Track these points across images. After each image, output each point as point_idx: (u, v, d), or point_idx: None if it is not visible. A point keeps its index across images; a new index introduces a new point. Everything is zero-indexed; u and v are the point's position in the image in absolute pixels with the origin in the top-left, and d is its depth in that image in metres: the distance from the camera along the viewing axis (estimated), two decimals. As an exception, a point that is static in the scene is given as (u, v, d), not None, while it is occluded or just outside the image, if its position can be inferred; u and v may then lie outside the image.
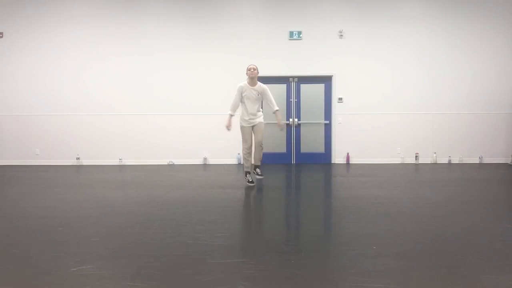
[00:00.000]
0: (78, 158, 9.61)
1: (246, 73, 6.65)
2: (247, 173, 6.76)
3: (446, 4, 9.54)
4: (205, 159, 9.67)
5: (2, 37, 9.58)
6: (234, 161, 9.60)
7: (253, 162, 6.79)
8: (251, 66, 6.62)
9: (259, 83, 6.68)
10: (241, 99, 6.62)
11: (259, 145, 6.65)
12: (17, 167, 9.27)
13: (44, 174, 8.15)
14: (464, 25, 9.55)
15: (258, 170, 6.75)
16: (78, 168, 9.04)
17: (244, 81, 6.69)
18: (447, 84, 9.60)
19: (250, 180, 6.70)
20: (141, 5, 9.58)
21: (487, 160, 9.60)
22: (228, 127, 6.62)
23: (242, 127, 6.72)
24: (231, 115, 6.64)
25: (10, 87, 9.65)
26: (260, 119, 6.74)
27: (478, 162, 9.59)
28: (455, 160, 9.63)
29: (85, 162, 9.65)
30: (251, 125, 6.67)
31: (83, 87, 9.64)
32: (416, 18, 9.56)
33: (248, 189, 6.39)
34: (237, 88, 6.60)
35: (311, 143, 9.81)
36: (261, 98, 6.75)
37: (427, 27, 9.56)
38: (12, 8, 9.57)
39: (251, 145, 6.72)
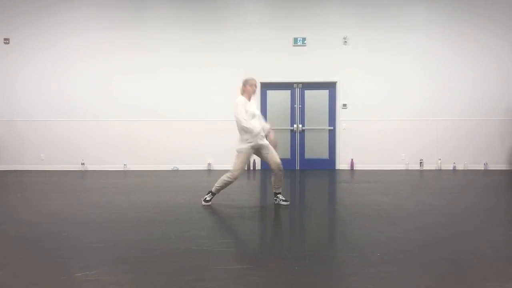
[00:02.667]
0: (83, 163, 9.65)
1: (245, 89, 5.51)
2: (211, 193, 5.63)
3: (449, 12, 9.55)
4: (209, 164, 9.68)
5: (8, 43, 9.67)
6: (238, 167, 9.60)
7: (274, 190, 5.71)
8: (254, 82, 5.57)
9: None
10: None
11: (280, 169, 5.47)
12: (22, 172, 9.32)
13: (49, 179, 8.18)
14: (467, 32, 9.55)
15: (280, 196, 5.68)
16: (83, 173, 9.07)
17: (239, 96, 5.53)
18: (451, 90, 9.58)
19: (207, 199, 5.62)
20: (147, 12, 9.65)
21: (492, 166, 9.56)
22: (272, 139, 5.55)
23: (246, 150, 5.42)
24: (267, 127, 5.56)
25: (15, 92, 9.71)
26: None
27: (483, 168, 9.55)
28: (460, 167, 9.59)
29: (90, 167, 9.68)
30: (259, 146, 5.43)
31: (88, 93, 9.69)
32: (420, 25, 9.58)
33: (252, 195, 6.38)
34: (240, 102, 5.39)
35: (315, 149, 9.81)
36: None
37: (430, 34, 9.57)
38: (19, 14, 9.66)
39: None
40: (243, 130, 5.36)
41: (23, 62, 9.71)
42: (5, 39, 9.67)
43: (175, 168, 9.64)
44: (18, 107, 9.73)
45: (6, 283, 2.99)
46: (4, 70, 9.73)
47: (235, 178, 5.48)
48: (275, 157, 5.46)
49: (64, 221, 4.80)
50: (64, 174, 8.98)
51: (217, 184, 5.56)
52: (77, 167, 9.67)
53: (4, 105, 9.72)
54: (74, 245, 3.86)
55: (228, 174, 5.49)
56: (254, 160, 9.32)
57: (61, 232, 4.32)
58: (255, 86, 5.59)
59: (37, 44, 9.70)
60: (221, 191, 5.63)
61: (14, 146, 9.75)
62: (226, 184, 5.52)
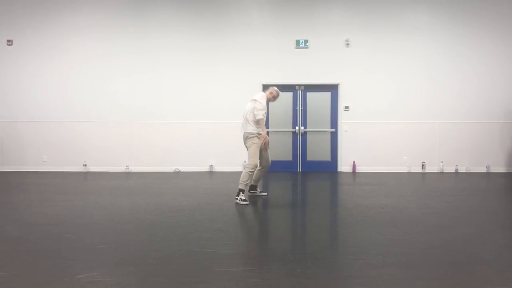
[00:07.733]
0: (85, 165, 9.66)
1: (271, 94, 6.42)
2: (240, 191, 5.92)
3: (451, 14, 9.54)
4: (211, 166, 9.69)
5: (11, 44, 9.71)
6: (239, 168, 9.60)
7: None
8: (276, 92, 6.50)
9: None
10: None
11: (268, 166, 6.41)
12: (25, 173, 9.34)
13: (51, 181, 8.20)
14: (469, 34, 9.55)
15: (258, 188, 6.58)
16: (85, 175, 9.09)
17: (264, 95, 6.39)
18: (453, 93, 9.58)
19: (244, 199, 5.89)
20: (149, 13, 9.68)
21: (494, 169, 9.54)
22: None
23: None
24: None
25: (18, 94, 9.74)
26: (248, 129, 6.10)
27: (485, 171, 9.53)
28: (462, 169, 9.58)
29: (92, 169, 9.70)
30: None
31: (90, 94, 9.72)
32: (423, 28, 9.58)
33: (254, 197, 6.38)
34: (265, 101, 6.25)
35: (317, 151, 9.80)
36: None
37: (433, 37, 9.57)
38: (22, 16, 9.70)
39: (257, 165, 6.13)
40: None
41: (26, 64, 9.75)
42: (8, 41, 9.71)
43: (176, 170, 9.65)
44: (21, 109, 9.76)
45: (8, 284, 3.00)
46: (7, 72, 9.76)
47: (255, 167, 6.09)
48: (268, 155, 6.29)
49: (67, 222, 4.81)
50: (66, 175, 9.00)
51: (241, 180, 5.95)
52: (79, 168, 9.68)
53: (6, 106, 9.75)
54: (77, 247, 3.86)
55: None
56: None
57: (63, 233, 4.33)
58: (273, 95, 6.50)
59: (40, 46, 9.73)
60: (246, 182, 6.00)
61: (17, 147, 9.78)
62: (250, 176, 6.04)
